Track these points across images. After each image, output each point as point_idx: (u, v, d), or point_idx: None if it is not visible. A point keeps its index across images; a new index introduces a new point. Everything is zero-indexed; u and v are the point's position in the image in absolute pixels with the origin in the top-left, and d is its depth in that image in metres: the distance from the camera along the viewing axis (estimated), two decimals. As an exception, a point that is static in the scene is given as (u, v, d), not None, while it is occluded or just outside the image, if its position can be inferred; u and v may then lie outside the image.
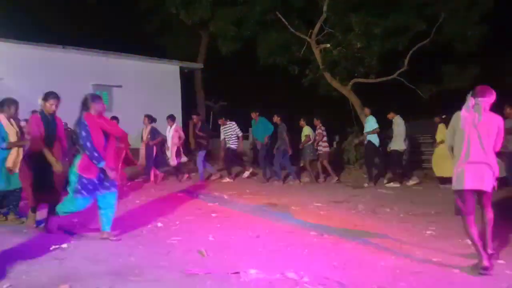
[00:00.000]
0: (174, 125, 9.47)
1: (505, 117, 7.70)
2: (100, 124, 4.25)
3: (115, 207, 4.58)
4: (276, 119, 9.64)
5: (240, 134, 9.81)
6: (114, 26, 17.47)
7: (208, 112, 17.47)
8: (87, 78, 12.15)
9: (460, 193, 3.92)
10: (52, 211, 4.74)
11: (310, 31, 12.45)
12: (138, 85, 13.18)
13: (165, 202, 6.90)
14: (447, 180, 8.86)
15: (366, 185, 8.87)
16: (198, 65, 16.83)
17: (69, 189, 4.35)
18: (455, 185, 3.95)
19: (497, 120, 3.91)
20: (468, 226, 3.86)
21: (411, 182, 8.89)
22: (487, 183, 3.86)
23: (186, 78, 16.33)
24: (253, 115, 9.84)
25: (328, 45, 12.19)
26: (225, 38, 13.54)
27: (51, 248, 4.19)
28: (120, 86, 12.76)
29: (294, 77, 13.65)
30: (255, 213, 6.12)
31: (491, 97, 3.86)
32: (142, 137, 9.28)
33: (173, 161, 9.29)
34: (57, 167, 4.64)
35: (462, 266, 3.91)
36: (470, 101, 3.89)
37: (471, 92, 3.95)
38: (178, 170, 9.67)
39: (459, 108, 4.06)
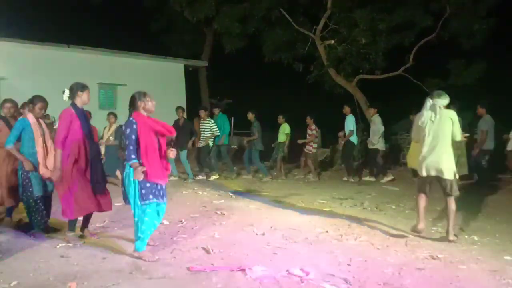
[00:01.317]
0: None
1: (479, 116, 7.84)
2: (151, 125, 3.96)
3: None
4: (250, 116, 9.33)
5: (217, 133, 9.13)
6: (119, 25, 17.54)
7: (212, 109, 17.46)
8: (92, 77, 12.14)
9: (422, 178, 4.68)
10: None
11: (315, 27, 12.41)
12: (143, 83, 13.03)
13: (170, 200, 6.91)
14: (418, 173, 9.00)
15: (345, 179, 9.01)
16: (203, 63, 16.85)
17: (131, 203, 3.92)
18: (419, 172, 4.70)
19: (448, 113, 4.55)
20: (419, 199, 4.75)
21: (385, 179, 8.90)
22: (446, 172, 4.49)
23: (191, 76, 16.36)
24: (216, 111, 9.60)
25: (333, 42, 12.14)
26: (230, 35, 13.53)
27: (57, 246, 4.23)
28: (125, 85, 12.78)
29: (299, 74, 13.61)
30: (260, 210, 6.12)
31: (445, 100, 4.59)
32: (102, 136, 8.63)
33: None
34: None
35: (467, 262, 3.89)
36: (428, 102, 4.62)
37: (429, 95, 4.70)
38: None
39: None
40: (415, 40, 11.71)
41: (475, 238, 4.73)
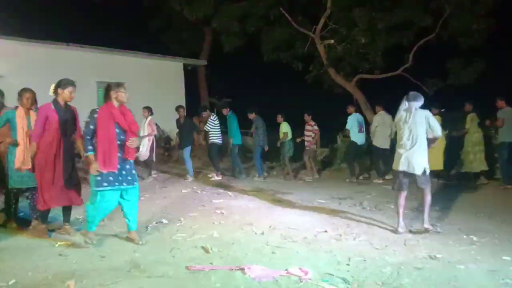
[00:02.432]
0: (149, 117, 8.81)
1: (497, 108, 7.91)
2: (115, 115, 4.11)
3: (137, 203, 4.44)
4: (251, 116, 9.41)
5: (213, 129, 9.27)
6: (118, 23, 17.49)
7: (212, 108, 17.46)
8: (91, 76, 12.17)
9: (397, 173, 4.98)
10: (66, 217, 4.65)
11: (314, 27, 12.40)
12: (142, 82, 13.18)
13: (169, 198, 6.92)
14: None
15: (347, 180, 8.94)
16: (202, 62, 16.83)
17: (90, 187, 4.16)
18: (395, 167, 5.01)
19: (424, 113, 4.85)
20: (398, 199, 4.97)
21: (377, 181, 8.84)
22: (416, 167, 4.78)
23: (190, 74, 16.35)
24: (225, 111, 9.54)
25: (332, 41, 12.14)
26: (229, 34, 13.50)
27: (56, 245, 4.22)
28: (124, 83, 12.78)
29: (298, 73, 13.60)
30: (259, 210, 6.12)
31: (420, 101, 4.88)
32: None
33: (142, 157, 8.56)
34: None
35: (466, 262, 3.90)
36: (404, 104, 4.92)
37: (405, 97, 4.93)
38: (147, 166, 9.04)
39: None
40: (414, 39, 11.71)
41: (474, 238, 4.73)
